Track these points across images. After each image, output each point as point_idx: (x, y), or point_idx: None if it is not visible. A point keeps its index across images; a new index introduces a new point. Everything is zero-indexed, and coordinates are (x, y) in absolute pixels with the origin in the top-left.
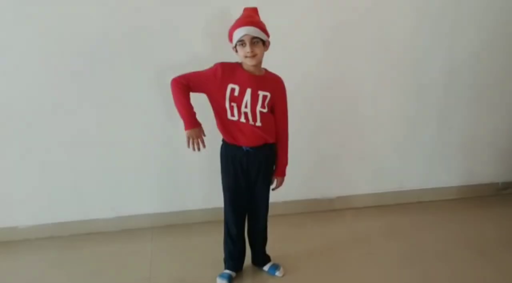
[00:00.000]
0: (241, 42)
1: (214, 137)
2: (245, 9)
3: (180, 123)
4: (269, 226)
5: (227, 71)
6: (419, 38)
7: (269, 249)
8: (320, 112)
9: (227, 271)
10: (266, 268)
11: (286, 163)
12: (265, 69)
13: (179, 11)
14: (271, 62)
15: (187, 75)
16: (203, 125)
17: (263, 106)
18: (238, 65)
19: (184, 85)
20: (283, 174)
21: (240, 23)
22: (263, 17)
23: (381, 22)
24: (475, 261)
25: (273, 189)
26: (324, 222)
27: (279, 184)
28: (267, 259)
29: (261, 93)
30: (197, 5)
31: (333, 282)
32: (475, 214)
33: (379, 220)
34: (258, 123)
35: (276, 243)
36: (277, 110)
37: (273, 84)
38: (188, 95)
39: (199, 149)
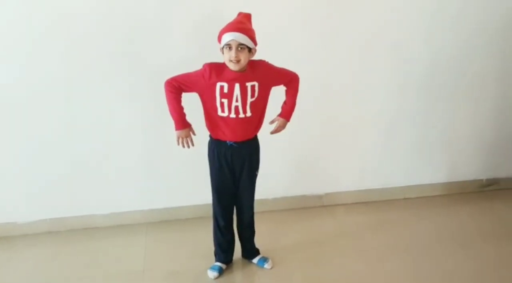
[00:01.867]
0: (228, 46)
1: (205, 135)
2: (239, 14)
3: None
4: (258, 222)
5: (214, 71)
6: (401, 36)
7: (259, 244)
8: (307, 111)
9: (218, 264)
10: (255, 260)
11: (292, 108)
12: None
13: (175, 11)
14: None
15: (178, 78)
16: (194, 123)
17: (253, 95)
18: (225, 64)
19: (176, 88)
20: (287, 117)
21: (230, 27)
22: (261, 19)
23: (366, 24)
24: (458, 254)
25: (271, 132)
26: (312, 218)
27: (280, 126)
28: (256, 252)
29: (249, 84)
30: (192, 5)
31: (321, 275)
32: (459, 210)
33: (366, 216)
34: (248, 114)
35: (265, 239)
36: (277, 82)
37: (257, 72)
38: (179, 96)
39: (188, 147)
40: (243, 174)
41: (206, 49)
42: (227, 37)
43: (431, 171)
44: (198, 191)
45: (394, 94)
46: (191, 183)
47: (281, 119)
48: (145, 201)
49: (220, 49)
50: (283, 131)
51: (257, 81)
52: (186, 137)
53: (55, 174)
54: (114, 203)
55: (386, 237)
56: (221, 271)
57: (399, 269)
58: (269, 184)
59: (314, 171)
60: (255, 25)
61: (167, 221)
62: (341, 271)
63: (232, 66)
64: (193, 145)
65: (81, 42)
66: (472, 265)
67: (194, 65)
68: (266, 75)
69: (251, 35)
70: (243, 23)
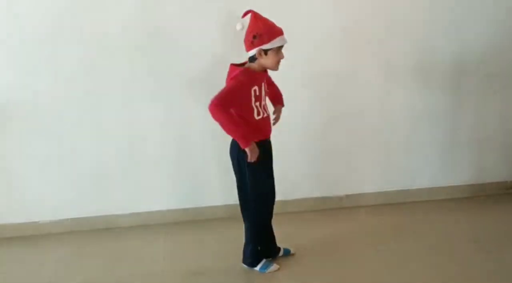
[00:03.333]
0: (280, 48)
1: (224, 136)
2: (255, 13)
3: (195, 122)
4: (278, 224)
5: (247, 78)
6: (429, 35)
7: (279, 245)
8: (329, 110)
9: (266, 260)
10: (281, 252)
11: (281, 94)
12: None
13: (195, 13)
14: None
15: (226, 100)
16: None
17: (266, 93)
18: (249, 69)
19: (228, 110)
20: (283, 103)
21: (280, 30)
22: (273, 14)
23: (390, 20)
24: (482, 257)
25: (274, 123)
26: (333, 220)
27: (279, 113)
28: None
29: (263, 84)
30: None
31: (342, 278)
32: (484, 212)
33: (388, 218)
34: (268, 111)
35: (285, 240)
36: (270, 82)
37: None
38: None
39: (258, 160)
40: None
41: (226, 49)
42: (282, 40)
43: (456, 172)
44: (218, 192)
45: (419, 94)
46: (211, 184)
47: (280, 106)
48: (165, 201)
49: (263, 50)
50: (304, 132)
51: (265, 82)
52: (255, 150)
53: (78, 174)
54: (135, 204)
55: (408, 240)
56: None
57: (422, 272)
58: (289, 185)
59: (335, 172)
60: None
61: (187, 222)
62: (362, 274)
63: (277, 67)
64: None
65: (105, 48)
66: (496, 269)
67: (215, 65)
68: (267, 76)
69: None
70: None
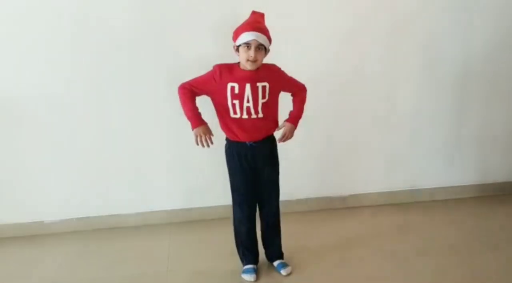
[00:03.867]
0: (247, 45)
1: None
2: (253, 13)
3: None
4: (282, 224)
5: (224, 72)
6: (435, 34)
7: (283, 246)
8: (334, 110)
9: (250, 266)
10: (275, 263)
11: (299, 114)
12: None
13: (194, 12)
14: (291, 57)
15: (190, 81)
16: (213, 125)
17: (264, 96)
18: (235, 65)
19: (188, 90)
20: (294, 122)
21: (250, 27)
22: (278, 14)
23: (396, 20)
24: (487, 258)
25: (279, 140)
26: (337, 220)
27: (287, 132)
28: (280, 255)
29: (259, 84)
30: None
31: (346, 278)
32: (489, 212)
33: (393, 218)
34: (260, 115)
35: (289, 240)
36: (286, 88)
37: (268, 73)
38: (193, 98)
39: (208, 146)
40: (265, 172)
41: (226, 50)
42: (247, 36)
43: (461, 172)
44: (223, 191)
45: (423, 93)
46: (215, 183)
47: (288, 124)
48: (170, 201)
49: (235, 47)
50: (308, 131)
51: (268, 82)
52: (204, 134)
53: (83, 174)
54: (139, 203)
55: (413, 240)
56: (256, 272)
57: (426, 273)
58: (293, 185)
59: (339, 172)
60: (285, 19)
61: (191, 222)
62: (366, 274)
63: (249, 66)
64: (212, 143)
65: (111, 47)
66: (502, 269)
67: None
68: (277, 78)
69: (268, 35)
70: (261, 23)
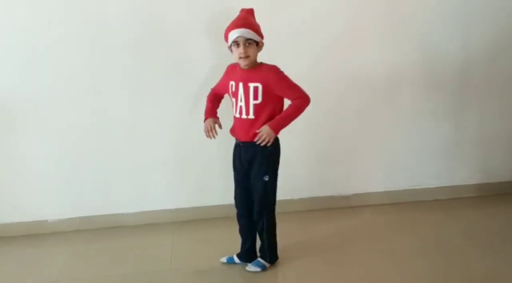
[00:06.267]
0: (236, 43)
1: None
2: (241, 10)
3: (202, 120)
4: (284, 222)
5: (230, 70)
6: (434, 34)
7: (284, 244)
8: (335, 109)
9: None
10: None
11: (283, 119)
12: (261, 63)
13: (201, 14)
14: (291, 56)
15: (216, 85)
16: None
17: (255, 98)
18: (238, 63)
19: (211, 94)
20: (272, 125)
21: (234, 24)
22: (276, 15)
23: (396, 20)
24: (489, 258)
25: (255, 139)
26: (339, 219)
27: (262, 132)
28: (254, 256)
29: (251, 85)
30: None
31: (347, 277)
32: (491, 212)
33: (395, 218)
34: (251, 116)
35: (291, 239)
36: (284, 93)
37: (264, 75)
38: (214, 99)
39: (213, 137)
40: (250, 176)
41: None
42: (233, 34)
43: (463, 171)
44: (226, 190)
45: (424, 93)
46: (218, 182)
47: (265, 126)
48: (172, 200)
49: (229, 48)
50: (308, 131)
51: (260, 83)
52: (209, 125)
53: (85, 173)
54: (142, 202)
55: (414, 240)
56: (231, 261)
57: (427, 272)
58: (295, 184)
59: (340, 171)
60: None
61: (194, 220)
62: (367, 273)
63: (242, 62)
64: (215, 134)
65: (110, 47)
66: (502, 268)
67: (220, 64)
68: (273, 80)
69: (256, 29)
70: (246, 19)
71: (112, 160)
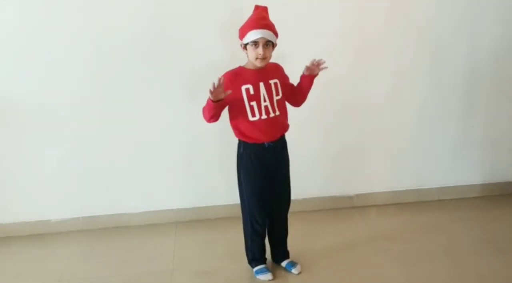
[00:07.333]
0: (255, 43)
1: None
2: (257, 8)
3: (204, 122)
4: (289, 223)
5: (234, 77)
6: (440, 34)
7: (288, 246)
8: (340, 110)
9: (263, 265)
10: (283, 264)
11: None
12: None
13: (208, 13)
14: (296, 56)
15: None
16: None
17: (277, 93)
18: (240, 67)
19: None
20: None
21: (256, 24)
22: (285, 16)
23: (402, 20)
24: (495, 259)
25: (311, 63)
26: (343, 219)
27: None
28: (286, 254)
29: (272, 82)
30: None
31: (352, 278)
32: (497, 212)
33: (399, 218)
34: (277, 113)
35: (295, 240)
36: (287, 83)
37: (276, 71)
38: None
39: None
40: (280, 171)
41: (234, 51)
42: (255, 34)
43: (469, 171)
44: (228, 190)
45: (431, 93)
46: (221, 182)
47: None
48: (175, 200)
49: (242, 45)
50: (314, 131)
51: (277, 78)
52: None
53: (89, 174)
54: (145, 202)
55: (419, 240)
56: (270, 270)
57: (433, 273)
58: (299, 184)
59: (345, 171)
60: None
61: (197, 221)
62: (372, 274)
63: (259, 63)
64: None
65: (117, 49)
66: (508, 269)
67: (225, 66)
68: (282, 74)
69: (275, 31)
70: (266, 19)
71: (116, 160)
